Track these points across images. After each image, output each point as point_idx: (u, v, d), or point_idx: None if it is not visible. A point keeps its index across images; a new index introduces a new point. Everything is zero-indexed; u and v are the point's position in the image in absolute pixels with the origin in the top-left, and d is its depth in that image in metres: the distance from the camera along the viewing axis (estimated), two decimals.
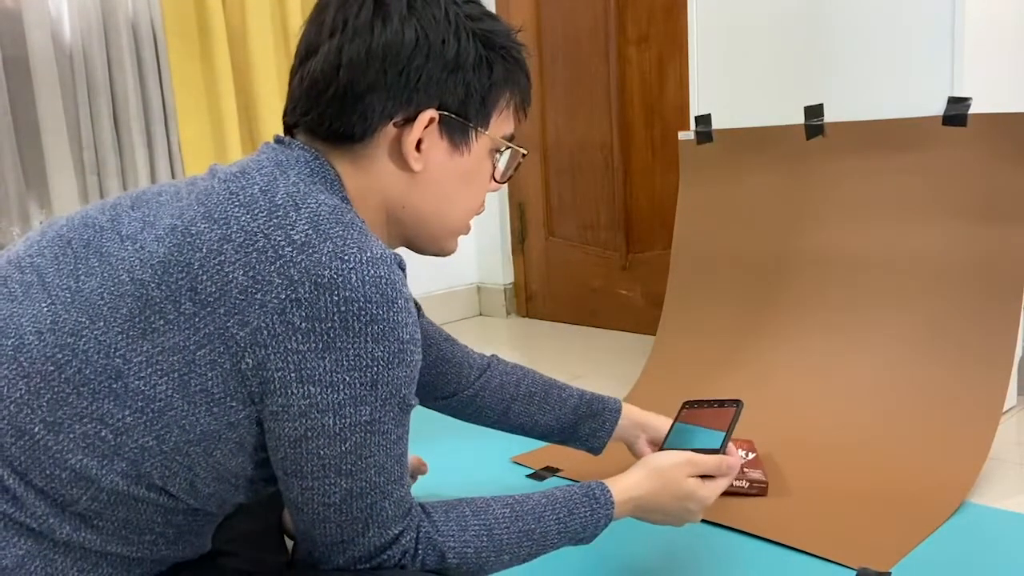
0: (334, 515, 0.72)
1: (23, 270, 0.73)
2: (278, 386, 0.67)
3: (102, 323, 0.68)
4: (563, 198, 2.68)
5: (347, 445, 0.70)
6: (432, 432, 1.28)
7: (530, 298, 2.83)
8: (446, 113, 0.78)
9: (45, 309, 0.70)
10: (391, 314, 0.68)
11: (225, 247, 0.68)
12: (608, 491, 0.89)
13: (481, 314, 2.91)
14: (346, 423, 0.69)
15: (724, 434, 0.97)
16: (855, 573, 1.08)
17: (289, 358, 0.67)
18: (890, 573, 1.08)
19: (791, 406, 1.57)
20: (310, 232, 0.68)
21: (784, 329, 1.67)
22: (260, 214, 0.69)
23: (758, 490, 1.31)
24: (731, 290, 1.77)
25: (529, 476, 1.45)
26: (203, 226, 0.69)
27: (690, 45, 1.83)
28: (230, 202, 0.70)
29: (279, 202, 0.70)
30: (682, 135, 1.87)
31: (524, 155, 0.89)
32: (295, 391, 0.67)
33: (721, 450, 0.95)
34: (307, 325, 0.66)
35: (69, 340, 0.68)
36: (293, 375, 0.67)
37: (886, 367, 1.52)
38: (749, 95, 1.75)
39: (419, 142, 0.78)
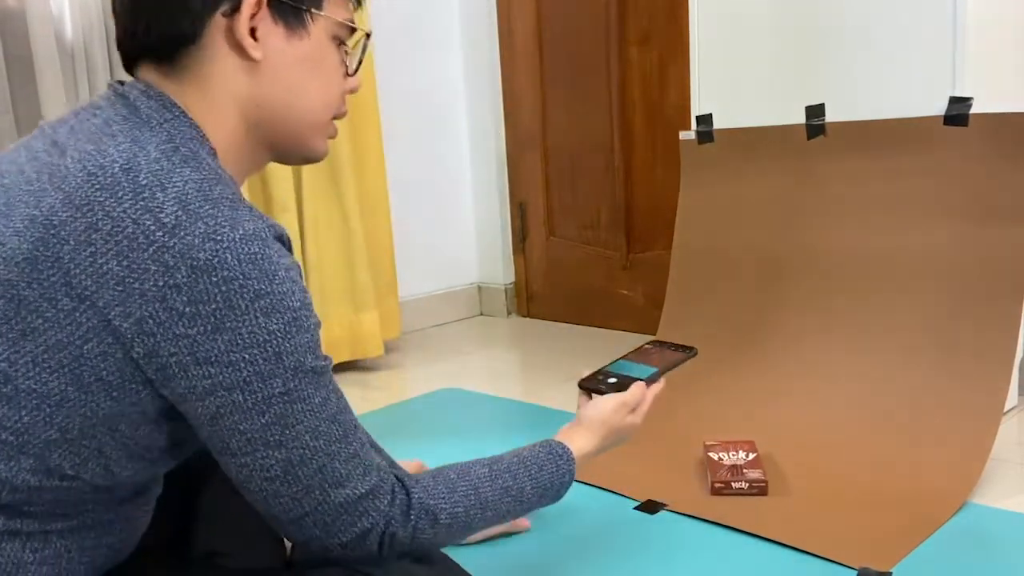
0: (283, 488, 0.71)
1: None
2: (176, 370, 0.66)
3: None
4: (564, 198, 2.68)
5: (266, 418, 0.69)
6: (432, 433, 1.28)
7: (531, 298, 2.83)
8: None
9: None
10: (274, 286, 0.67)
11: (93, 237, 0.65)
12: (568, 450, 0.94)
13: (482, 314, 2.91)
14: (258, 397, 0.68)
15: (656, 369, 1.08)
16: (856, 573, 1.08)
17: (180, 343, 0.65)
18: (891, 573, 1.07)
19: (791, 406, 1.57)
20: (179, 213, 0.65)
21: (784, 329, 1.67)
22: (125, 198, 0.65)
23: (758, 490, 1.31)
24: (731, 290, 1.77)
25: None
26: (65, 215, 0.65)
27: (691, 45, 1.83)
28: (90, 185, 0.66)
29: (143, 182, 0.66)
30: (683, 135, 1.87)
31: (368, 35, 0.86)
32: (194, 372, 0.66)
33: (646, 381, 1.05)
34: (191, 309, 0.65)
35: None
36: (188, 358, 0.66)
37: (887, 367, 1.52)
38: (750, 95, 1.75)
39: (253, 31, 0.75)
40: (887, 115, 1.56)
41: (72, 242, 0.65)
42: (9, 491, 0.68)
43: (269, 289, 0.66)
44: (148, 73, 0.77)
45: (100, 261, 0.64)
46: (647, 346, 1.18)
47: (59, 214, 0.66)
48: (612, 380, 1.06)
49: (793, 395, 1.59)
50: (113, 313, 0.65)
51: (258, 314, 0.66)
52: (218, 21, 0.74)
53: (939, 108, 1.49)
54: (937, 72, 1.49)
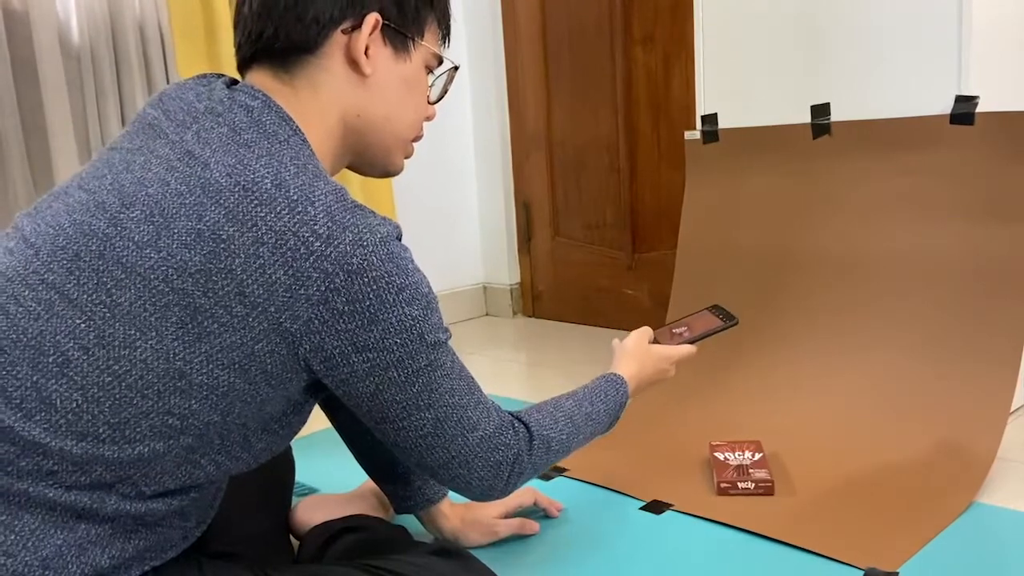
0: (434, 441, 0.84)
1: (33, 287, 0.73)
2: (339, 360, 0.76)
3: (154, 333, 0.71)
4: (569, 197, 2.68)
5: (416, 387, 0.80)
6: None
7: (536, 298, 2.83)
8: (387, 22, 0.85)
9: (83, 325, 0.72)
10: (409, 278, 0.77)
11: (261, 250, 0.72)
12: (623, 378, 1.09)
13: (487, 314, 2.91)
14: (408, 371, 0.79)
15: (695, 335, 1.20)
16: (862, 573, 1.08)
17: (342, 336, 0.75)
18: (898, 573, 1.07)
19: (797, 405, 1.57)
20: (329, 224, 0.73)
21: (791, 328, 1.67)
22: (283, 212, 0.73)
23: (764, 490, 1.31)
24: (737, 289, 1.77)
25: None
26: (231, 230, 0.72)
27: (696, 44, 1.83)
28: (248, 201, 0.73)
29: (294, 197, 0.74)
30: (688, 134, 1.87)
31: (456, 68, 0.95)
32: (355, 359, 0.76)
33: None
34: (349, 307, 0.74)
35: (124, 352, 0.72)
36: (349, 347, 0.76)
37: (893, 366, 1.52)
38: (755, 94, 1.75)
39: (366, 49, 0.84)
40: (893, 114, 1.56)
41: (242, 255, 0.72)
42: (145, 472, 0.74)
43: (407, 281, 0.77)
44: (262, 76, 0.85)
45: (269, 271, 0.72)
46: (702, 314, 1.26)
47: (225, 228, 0.72)
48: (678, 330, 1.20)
49: (799, 395, 1.59)
50: (283, 317, 0.73)
51: (403, 304, 0.76)
52: (338, 36, 0.84)
53: (945, 107, 1.49)
54: (943, 71, 1.49)
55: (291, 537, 1.17)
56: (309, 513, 1.17)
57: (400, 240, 0.79)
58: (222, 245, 0.72)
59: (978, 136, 1.46)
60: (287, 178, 0.74)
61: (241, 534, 0.98)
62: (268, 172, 0.74)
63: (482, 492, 0.90)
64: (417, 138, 0.94)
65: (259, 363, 0.74)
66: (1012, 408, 1.41)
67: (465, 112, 2.80)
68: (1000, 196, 1.45)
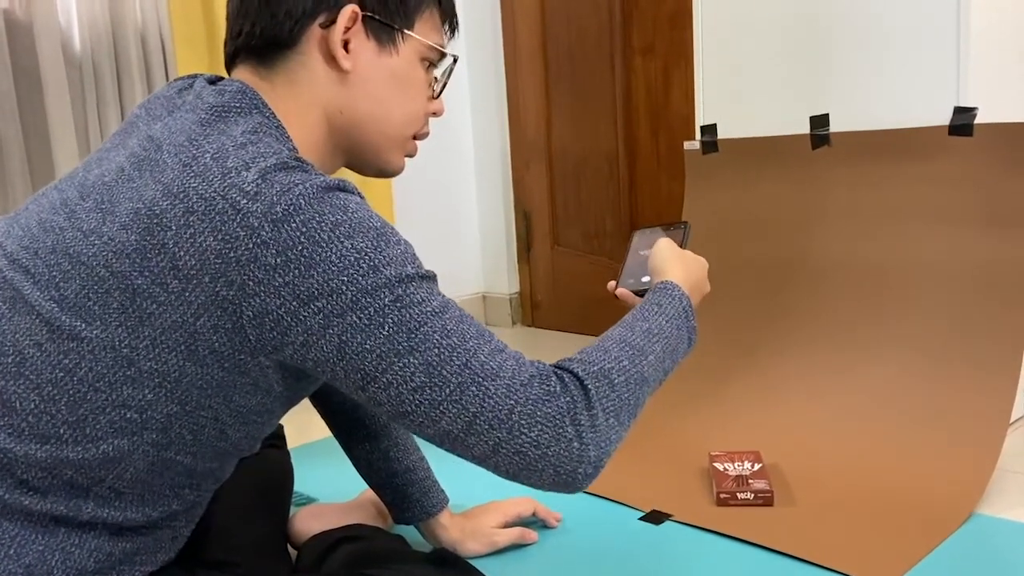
0: (436, 394, 0.71)
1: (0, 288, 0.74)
2: (289, 320, 0.69)
3: (99, 323, 0.70)
4: (569, 207, 2.69)
5: (387, 328, 0.69)
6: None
7: (536, 307, 2.83)
8: (368, 14, 0.81)
9: (36, 321, 0.71)
10: (349, 214, 0.70)
11: (191, 219, 0.68)
12: (673, 283, 0.91)
13: (487, 323, 2.91)
14: (371, 312, 0.69)
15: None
16: None
17: (282, 292, 0.68)
18: None
19: (797, 416, 1.57)
20: (259, 182, 0.69)
21: (790, 339, 1.67)
22: (215, 180, 0.69)
23: (764, 500, 1.31)
24: (736, 300, 1.77)
25: None
26: (165, 204, 0.69)
27: (696, 55, 1.83)
28: (185, 174, 0.70)
29: (231, 165, 0.70)
30: (687, 145, 1.87)
31: (455, 59, 0.90)
32: (305, 313, 0.69)
33: None
34: (281, 259, 0.67)
35: (72, 345, 0.70)
36: (294, 303, 0.68)
37: (892, 377, 1.52)
38: (755, 105, 1.75)
39: (347, 43, 0.80)
40: (892, 125, 1.56)
41: (174, 227, 0.68)
42: (118, 473, 0.73)
43: (345, 217, 0.69)
44: (244, 72, 0.82)
45: (199, 239, 0.68)
46: (646, 234, 1.14)
47: (159, 203, 0.69)
48: (645, 278, 1.02)
49: (798, 405, 1.59)
50: (218, 285, 0.68)
51: (342, 238, 0.68)
52: (315, 31, 0.80)
53: (944, 118, 1.49)
54: (942, 82, 1.49)
55: (289, 547, 1.16)
56: (307, 523, 1.17)
57: (347, 191, 0.72)
58: (155, 220, 0.69)
59: (977, 147, 1.46)
60: (229, 150, 0.71)
61: (239, 543, 0.98)
62: (211, 147, 0.71)
63: (556, 464, 0.72)
64: (419, 135, 0.89)
65: (205, 342, 0.70)
66: (1012, 418, 1.41)
67: (465, 121, 2.80)
68: (999, 206, 1.45)
